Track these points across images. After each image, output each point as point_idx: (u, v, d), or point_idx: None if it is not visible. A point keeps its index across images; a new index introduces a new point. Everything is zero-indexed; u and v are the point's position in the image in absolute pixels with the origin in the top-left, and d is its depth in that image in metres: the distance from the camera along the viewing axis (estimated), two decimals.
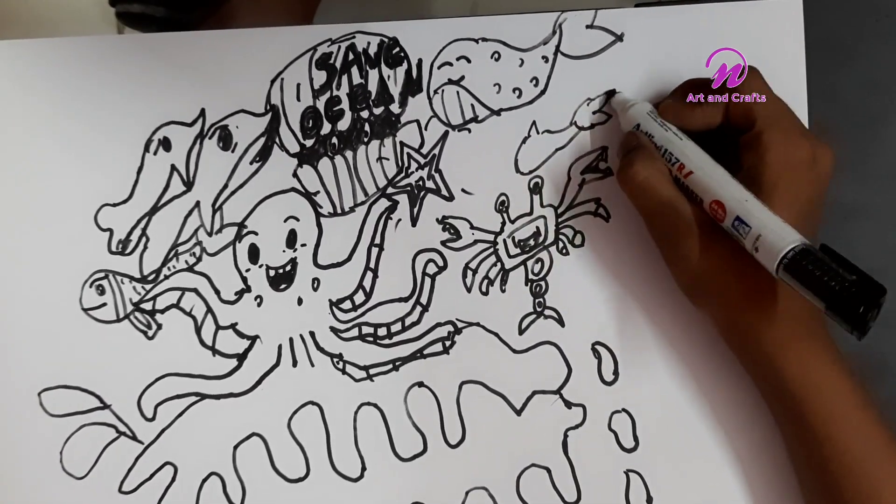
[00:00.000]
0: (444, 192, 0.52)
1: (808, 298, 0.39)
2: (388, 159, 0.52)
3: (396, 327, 0.52)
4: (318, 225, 0.52)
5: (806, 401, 0.45)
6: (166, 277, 0.52)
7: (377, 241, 0.52)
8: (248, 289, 0.52)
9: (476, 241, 0.52)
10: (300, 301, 0.52)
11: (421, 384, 0.52)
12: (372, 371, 0.52)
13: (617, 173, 0.48)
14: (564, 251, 0.52)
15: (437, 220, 0.52)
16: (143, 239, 0.52)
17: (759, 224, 0.42)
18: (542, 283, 0.52)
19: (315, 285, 0.52)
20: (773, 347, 0.45)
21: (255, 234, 0.52)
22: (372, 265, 0.52)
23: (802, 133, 0.46)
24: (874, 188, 0.65)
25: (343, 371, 0.52)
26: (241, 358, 0.52)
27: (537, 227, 0.52)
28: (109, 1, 0.59)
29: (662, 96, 0.51)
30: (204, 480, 0.52)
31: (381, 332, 0.52)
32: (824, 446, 0.45)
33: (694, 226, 0.45)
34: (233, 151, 0.52)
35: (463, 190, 0.52)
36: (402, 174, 0.52)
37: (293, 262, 0.52)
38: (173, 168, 0.52)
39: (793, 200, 0.44)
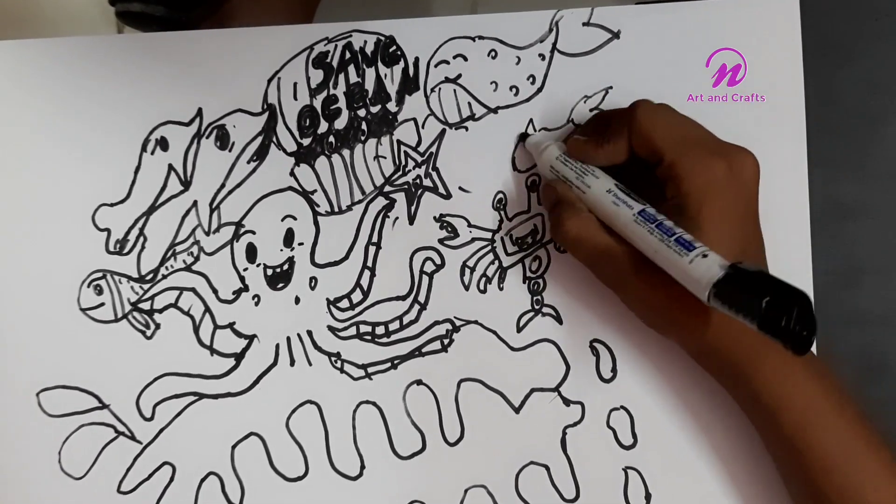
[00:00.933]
0: (441, 190, 0.52)
1: (743, 321, 0.38)
2: (385, 158, 0.52)
3: (394, 326, 0.52)
4: (316, 224, 0.52)
5: (780, 412, 0.45)
6: (164, 277, 0.52)
7: (375, 239, 0.52)
8: (245, 288, 0.52)
9: (474, 239, 0.52)
10: (298, 300, 0.52)
11: (419, 382, 0.52)
12: (370, 370, 0.52)
13: (550, 231, 0.49)
14: (562, 249, 0.52)
15: (434, 218, 0.52)
16: (141, 239, 0.52)
17: (675, 266, 0.42)
18: (540, 280, 0.52)
19: (312, 284, 0.52)
20: (742, 364, 0.45)
21: (253, 233, 0.52)
22: (369, 264, 0.52)
23: (712, 151, 0.45)
24: (874, 188, 0.64)
25: (341, 370, 0.52)
26: (239, 357, 0.52)
27: (535, 225, 0.52)
28: (109, 0, 0.60)
29: (661, 96, 0.51)
30: (202, 480, 0.52)
31: (379, 330, 0.52)
32: (804, 455, 0.45)
33: (635, 266, 0.45)
34: (230, 151, 0.52)
35: (460, 188, 0.52)
36: (400, 172, 0.52)
37: (290, 260, 0.52)
38: (171, 167, 0.52)
39: (721, 220, 0.44)
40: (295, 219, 0.52)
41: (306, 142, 0.52)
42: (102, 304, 0.52)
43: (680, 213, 0.44)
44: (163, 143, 0.52)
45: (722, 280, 0.39)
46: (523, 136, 0.52)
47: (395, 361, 0.52)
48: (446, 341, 0.52)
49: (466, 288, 0.52)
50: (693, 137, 0.46)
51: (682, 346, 0.47)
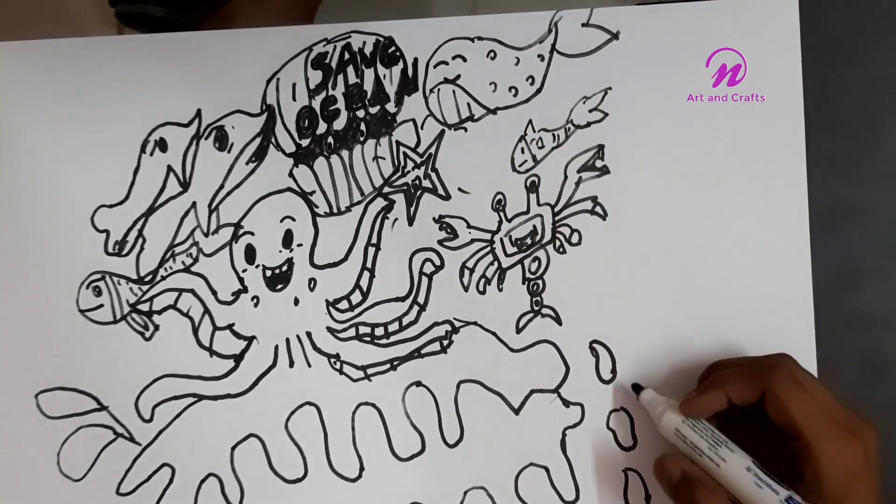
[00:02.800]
0: (440, 191, 0.52)
1: None
2: (384, 159, 0.52)
3: (394, 327, 0.52)
4: (315, 225, 0.52)
5: None
6: (163, 278, 0.52)
7: (374, 240, 0.52)
8: (244, 289, 0.52)
9: (473, 240, 0.52)
10: (297, 301, 0.52)
11: (419, 384, 0.52)
12: (369, 371, 0.52)
13: None
14: (561, 249, 0.52)
15: (433, 219, 0.52)
16: (140, 240, 0.52)
17: None
18: (540, 281, 0.52)
19: (312, 285, 0.52)
20: None
21: (252, 234, 0.52)
22: (369, 265, 0.52)
23: (849, 429, 0.43)
24: (874, 188, 0.64)
25: (340, 371, 0.52)
26: (238, 359, 0.52)
27: (534, 226, 0.52)
28: (109, 1, 0.60)
29: (659, 95, 0.51)
30: (202, 481, 0.52)
31: (379, 331, 0.52)
32: None
33: None
34: (229, 152, 0.52)
35: (459, 189, 0.52)
36: (399, 173, 0.52)
37: (290, 262, 0.52)
38: (170, 169, 0.52)
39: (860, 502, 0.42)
40: (294, 220, 0.52)
41: (305, 143, 0.52)
42: (101, 306, 0.52)
43: (818, 495, 0.42)
44: (162, 145, 0.52)
45: None
46: (636, 389, 0.50)
47: (395, 363, 0.52)
48: (446, 342, 0.52)
49: (466, 289, 0.52)
50: (828, 410, 0.43)
51: None
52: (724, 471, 0.44)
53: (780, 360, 0.45)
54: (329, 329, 0.52)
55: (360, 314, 0.52)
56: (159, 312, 0.52)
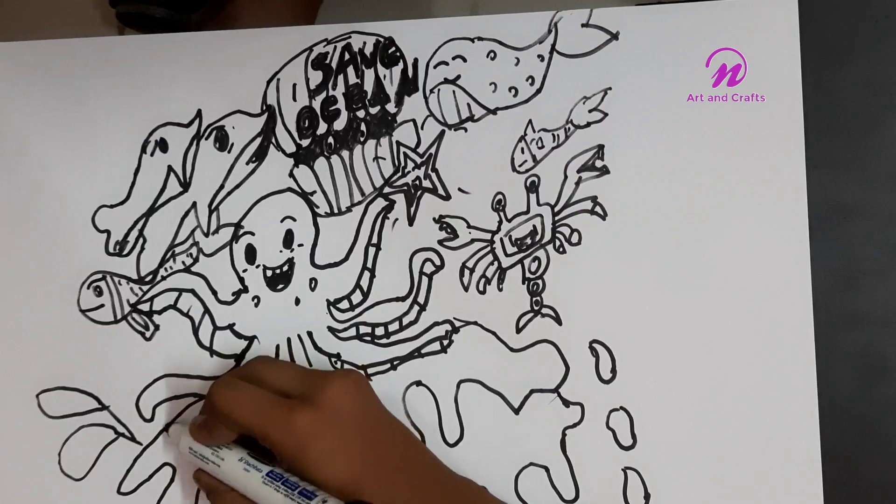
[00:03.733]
0: (440, 191, 0.52)
1: None
2: (384, 159, 0.52)
3: (394, 327, 0.52)
4: (315, 225, 0.52)
5: None
6: (163, 278, 0.52)
7: (374, 240, 0.52)
8: (245, 289, 0.52)
9: (473, 240, 0.52)
10: (297, 301, 0.52)
11: (419, 383, 0.52)
12: (370, 370, 0.52)
13: None
14: (561, 249, 0.52)
15: (433, 219, 0.52)
16: (141, 240, 0.52)
17: None
18: (539, 281, 0.52)
19: (312, 285, 0.52)
20: None
21: (252, 234, 0.52)
22: (369, 265, 0.52)
23: (292, 407, 0.45)
24: (874, 188, 0.64)
25: None
26: (239, 358, 0.52)
27: (534, 226, 0.52)
28: (110, 1, 0.60)
29: (659, 95, 0.52)
30: None
31: (379, 331, 0.52)
32: None
33: None
34: (229, 152, 0.52)
35: (460, 189, 0.52)
36: (399, 174, 0.52)
37: (290, 262, 0.52)
38: (170, 169, 0.52)
39: (325, 462, 0.44)
40: (294, 220, 0.52)
41: (305, 143, 0.52)
42: (102, 306, 0.52)
43: (297, 472, 0.45)
44: (162, 145, 0.52)
45: None
46: (166, 428, 0.52)
47: (395, 362, 0.52)
48: (446, 342, 0.52)
49: (466, 289, 0.52)
50: (273, 397, 0.46)
51: None
52: (224, 469, 0.47)
53: (213, 383, 0.48)
54: (330, 329, 0.52)
55: (360, 314, 0.52)
56: (160, 312, 0.52)
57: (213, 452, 0.48)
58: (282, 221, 0.52)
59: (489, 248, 0.52)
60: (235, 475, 0.47)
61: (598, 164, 0.52)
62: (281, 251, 0.52)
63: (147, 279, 0.52)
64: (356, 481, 0.44)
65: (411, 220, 0.52)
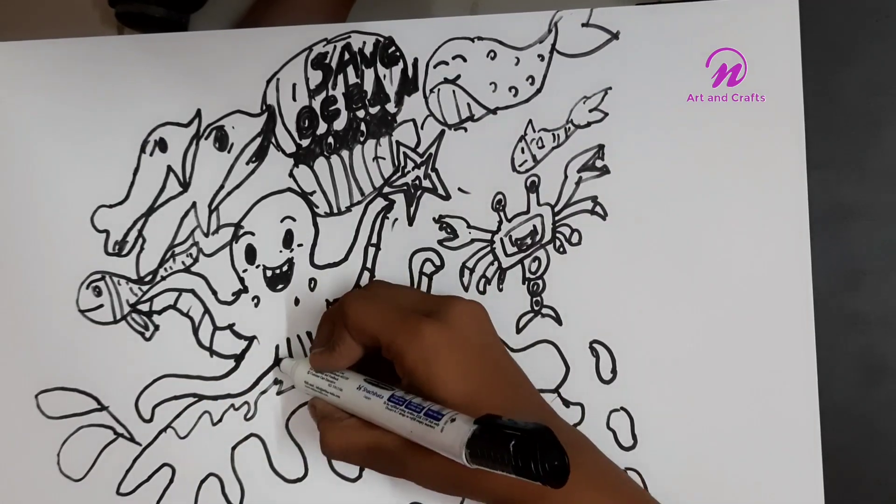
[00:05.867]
0: (440, 191, 0.52)
1: (505, 473, 0.37)
2: (384, 159, 0.52)
3: None
4: (315, 225, 0.52)
5: None
6: (163, 278, 0.52)
7: (374, 240, 0.52)
8: (245, 289, 0.52)
9: (473, 240, 0.52)
10: (297, 301, 0.52)
11: None
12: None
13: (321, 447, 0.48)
14: (561, 249, 0.52)
15: (433, 219, 0.52)
16: (140, 240, 0.52)
17: (431, 440, 0.41)
18: (540, 281, 0.52)
19: (312, 285, 0.52)
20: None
21: (252, 234, 0.52)
22: (369, 265, 0.52)
23: (420, 318, 0.45)
24: (874, 188, 0.64)
25: None
26: (239, 359, 0.52)
27: (534, 226, 0.52)
28: (109, 1, 0.60)
29: (659, 94, 0.51)
30: (202, 481, 0.52)
31: None
32: None
33: (406, 449, 0.44)
34: (229, 152, 0.52)
35: (459, 189, 0.52)
36: (399, 173, 0.52)
37: (290, 262, 0.52)
38: (169, 169, 0.52)
39: (453, 380, 0.44)
40: (294, 220, 0.52)
41: (305, 143, 0.52)
42: (101, 306, 0.52)
43: (418, 389, 0.44)
44: (162, 145, 0.52)
45: (471, 440, 0.38)
46: (278, 362, 0.52)
47: None
48: None
49: (466, 289, 0.52)
50: (403, 310, 0.46)
51: (482, 501, 0.45)
52: (343, 399, 0.47)
53: (345, 295, 0.50)
54: None
55: None
56: (159, 312, 0.52)
57: (331, 384, 0.47)
58: (282, 221, 0.52)
59: (489, 248, 0.52)
60: (357, 403, 0.46)
61: (599, 163, 0.52)
62: (281, 251, 0.52)
63: (147, 279, 0.52)
64: (477, 399, 0.43)
65: (411, 220, 0.52)
